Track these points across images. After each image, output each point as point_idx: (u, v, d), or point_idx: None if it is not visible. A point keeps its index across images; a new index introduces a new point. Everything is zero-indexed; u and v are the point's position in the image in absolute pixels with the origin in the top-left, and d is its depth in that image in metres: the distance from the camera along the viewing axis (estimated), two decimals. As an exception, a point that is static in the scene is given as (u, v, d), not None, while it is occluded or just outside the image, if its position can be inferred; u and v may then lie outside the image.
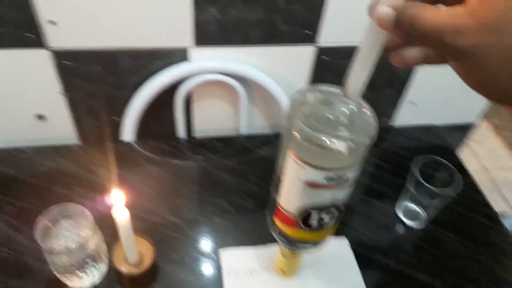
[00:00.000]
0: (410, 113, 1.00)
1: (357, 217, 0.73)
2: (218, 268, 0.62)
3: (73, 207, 0.52)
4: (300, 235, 0.47)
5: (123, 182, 0.72)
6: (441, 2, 0.30)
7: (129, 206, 0.68)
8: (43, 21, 0.64)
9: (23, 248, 0.60)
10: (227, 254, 0.64)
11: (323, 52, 0.81)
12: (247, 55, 0.78)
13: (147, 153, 0.78)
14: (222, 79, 0.78)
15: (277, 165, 0.43)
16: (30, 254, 0.59)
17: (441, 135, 0.95)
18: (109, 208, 0.48)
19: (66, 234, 0.52)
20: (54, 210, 0.51)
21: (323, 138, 0.36)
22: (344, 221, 0.71)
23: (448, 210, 0.73)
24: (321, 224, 0.45)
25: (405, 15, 0.28)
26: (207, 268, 0.62)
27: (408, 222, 0.73)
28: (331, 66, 0.84)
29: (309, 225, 0.45)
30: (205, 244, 0.65)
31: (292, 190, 0.42)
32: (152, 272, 0.60)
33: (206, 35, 0.73)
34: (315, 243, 0.50)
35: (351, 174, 0.40)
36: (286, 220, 0.46)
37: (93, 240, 0.52)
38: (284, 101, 0.84)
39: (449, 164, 0.68)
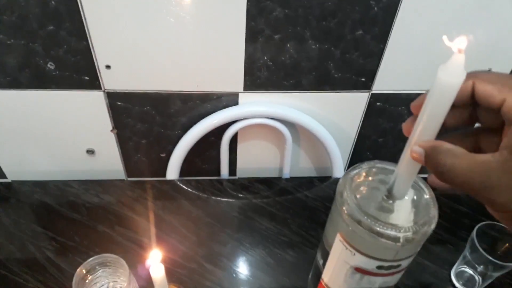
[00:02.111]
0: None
1: (407, 279, 0.68)
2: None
3: (111, 257, 0.52)
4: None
5: (163, 223, 0.72)
6: (478, 121, 0.28)
7: (167, 251, 0.67)
8: (100, 65, 0.66)
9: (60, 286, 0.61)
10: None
11: (376, 99, 0.78)
12: (298, 100, 0.76)
13: (189, 192, 0.78)
14: (269, 123, 0.77)
15: (325, 234, 0.41)
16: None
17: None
18: (146, 261, 0.48)
19: (102, 282, 0.52)
20: (92, 262, 0.51)
21: (377, 227, 0.33)
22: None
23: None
24: (367, 307, 0.42)
25: (434, 161, 0.26)
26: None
27: (458, 284, 0.67)
28: (383, 112, 0.80)
29: (355, 307, 0.42)
30: (243, 297, 0.63)
31: (339, 271, 0.39)
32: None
33: (256, 81, 0.72)
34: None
35: (406, 263, 0.37)
36: (330, 297, 0.43)
37: (130, 291, 0.52)
38: (332, 144, 0.81)
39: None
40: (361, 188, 0.36)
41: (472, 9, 0.65)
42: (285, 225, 0.74)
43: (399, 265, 0.36)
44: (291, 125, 0.80)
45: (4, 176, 0.84)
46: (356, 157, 0.90)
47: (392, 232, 0.33)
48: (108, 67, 0.66)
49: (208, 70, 0.69)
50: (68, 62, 0.65)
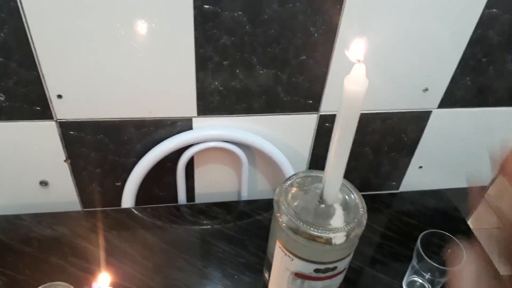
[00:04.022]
0: (417, 177, 0.99)
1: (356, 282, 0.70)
2: None
3: (60, 285, 0.51)
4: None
5: (118, 251, 0.71)
6: None
7: (122, 279, 0.66)
8: (51, 95, 0.67)
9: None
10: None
11: (325, 120, 0.82)
12: (250, 123, 0.79)
13: (145, 219, 0.78)
14: (224, 146, 0.79)
15: (268, 246, 0.42)
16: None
17: (449, 200, 0.93)
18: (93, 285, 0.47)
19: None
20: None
21: (311, 230, 0.35)
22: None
23: None
24: (313, 314, 0.43)
25: None
26: None
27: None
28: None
29: (302, 315, 0.43)
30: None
31: (281, 279, 0.41)
32: None
33: (209, 106, 0.74)
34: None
35: (342, 265, 0.39)
36: (278, 307, 0.44)
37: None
38: (287, 165, 0.84)
39: (456, 239, 0.66)
40: (297, 196, 0.38)
41: (408, 30, 0.71)
42: (243, 247, 0.74)
43: (335, 268, 0.38)
44: (246, 148, 0.82)
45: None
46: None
47: (324, 235, 0.35)
48: (59, 96, 0.67)
49: (161, 96, 0.71)
50: (19, 93, 0.66)
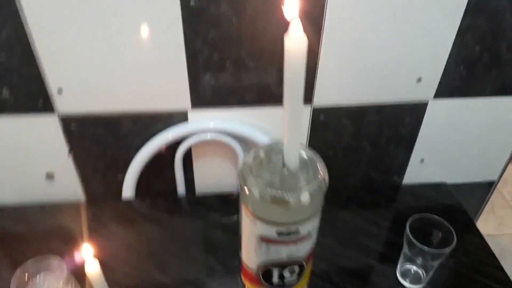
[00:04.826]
0: (419, 170, 0.98)
1: (356, 280, 0.70)
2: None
3: (52, 260, 0.54)
4: (265, 293, 0.46)
5: (117, 240, 0.74)
6: None
7: (118, 264, 0.69)
8: (52, 89, 0.71)
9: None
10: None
11: (318, 112, 0.83)
12: (244, 115, 0.81)
13: (144, 210, 0.81)
14: (220, 139, 0.81)
15: (240, 220, 0.44)
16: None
17: (451, 193, 0.92)
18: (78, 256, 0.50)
19: (44, 285, 0.54)
20: (32, 263, 0.54)
21: (271, 191, 0.36)
22: (344, 285, 0.68)
23: (457, 274, 0.68)
24: (283, 282, 0.44)
25: None
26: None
27: (407, 284, 0.69)
28: (327, 126, 0.85)
29: (272, 283, 0.44)
30: (190, 304, 0.64)
31: (249, 245, 0.42)
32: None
33: (203, 98, 0.77)
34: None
35: (305, 229, 0.40)
36: (250, 277, 0.45)
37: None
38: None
39: (445, 222, 0.65)
40: (261, 163, 0.40)
41: (396, 17, 0.72)
42: (237, 235, 0.76)
43: (297, 231, 0.39)
44: (242, 140, 0.84)
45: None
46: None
47: (282, 194, 0.36)
48: (60, 90, 0.71)
49: (156, 89, 0.74)
50: (22, 88, 0.70)
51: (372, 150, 0.92)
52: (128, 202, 0.83)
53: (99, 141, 0.80)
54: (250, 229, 0.41)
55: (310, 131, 0.86)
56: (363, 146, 0.91)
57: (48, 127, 0.76)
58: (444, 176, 0.99)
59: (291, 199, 0.36)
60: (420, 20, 0.73)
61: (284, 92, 0.34)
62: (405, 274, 0.70)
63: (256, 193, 0.37)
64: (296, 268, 0.43)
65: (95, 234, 0.75)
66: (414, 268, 0.70)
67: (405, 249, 0.67)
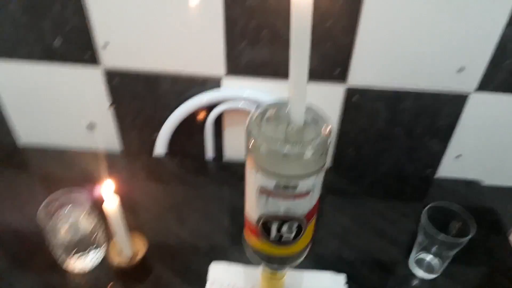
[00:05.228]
0: (454, 166, 0.95)
1: (368, 262, 0.70)
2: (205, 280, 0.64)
3: (77, 192, 0.59)
4: (263, 247, 0.48)
5: (144, 190, 0.79)
6: None
7: (141, 211, 0.74)
8: (98, 42, 0.76)
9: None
10: (217, 267, 0.65)
11: (353, 92, 0.82)
12: (275, 87, 0.83)
13: (172, 168, 0.85)
14: (250, 109, 0.83)
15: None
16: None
17: (484, 193, 0.88)
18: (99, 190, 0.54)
19: (68, 217, 0.59)
20: (59, 194, 0.59)
21: (274, 142, 0.38)
22: (350, 260, 0.69)
23: (474, 269, 0.67)
24: (281, 238, 0.46)
25: None
26: (195, 278, 0.64)
27: (421, 274, 0.68)
28: (361, 108, 0.85)
29: (269, 236, 0.46)
30: (201, 254, 0.68)
31: (250, 196, 0.44)
32: (142, 269, 0.64)
33: (237, 67, 0.79)
34: (282, 261, 0.50)
35: (304, 185, 0.41)
36: (251, 229, 0.48)
37: (90, 224, 0.59)
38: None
39: (464, 212, 0.63)
40: (269, 118, 0.42)
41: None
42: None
43: (296, 186, 0.41)
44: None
45: (15, 140, 0.95)
46: (339, 153, 0.94)
47: (282, 145, 0.38)
48: (105, 44, 0.77)
49: (194, 53, 0.78)
50: (72, 39, 0.76)
51: (406, 139, 0.90)
52: (158, 159, 0.88)
53: (138, 97, 0.85)
54: (251, 180, 0.43)
55: (344, 112, 0.86)
56: (397, 134, 0.89)
57: (93, 79, 0.82)
58: (481, 176, 0.94)
59: (291, 151, 0.38)
60: (467, 4, 0.70)
61: (291, 48, 0.35)
62: (419, 263, 0.69)
63: (258, 143, 0.39)
64: (295, 226, 0.45)
65: (124, 182, 0.80)
66: (429, 257, 0.69)
67: (420, 237, 0.66)
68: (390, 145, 0.91)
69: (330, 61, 0.78)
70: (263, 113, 0.42)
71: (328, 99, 0.84)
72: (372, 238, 0.74)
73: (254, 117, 0.41)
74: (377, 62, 0.78)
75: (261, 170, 0.40)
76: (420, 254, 0.69)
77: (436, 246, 0.64)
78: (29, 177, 0.82)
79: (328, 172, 0.90)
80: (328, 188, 0.85)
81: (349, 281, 0.66)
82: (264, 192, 0.42)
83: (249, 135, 0.40)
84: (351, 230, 0.75)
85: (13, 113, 0.90)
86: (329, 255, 0.70)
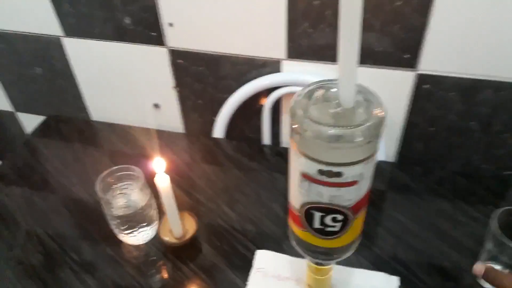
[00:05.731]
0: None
1: (423, 262, 0.64)
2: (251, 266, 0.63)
3: (133, 169, 0.61)
4: (306, 237, 0.46)
5: (199, 171, 0.80)
6: None
7: (194, 190, 0.75)
8: (164, 22, 0.78)
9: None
10: (263, 254, 0.65)
11: (424, 80, 0.76)
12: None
13: (228, 150, 0.86)
14: (310, 94, 0.81)
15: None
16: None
17: None
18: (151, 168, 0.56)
19: (124, 191, 0.62)
20: (116, 170, 0.62)
21: (317, 125, 0.35)
22: (405, 262, 0.64)
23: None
24: (324, 228, 0.43)
25: (489, 279, 0.50)
26: (241, 262, 0.64)
27: (488, 285, 0.61)
28: (432, 97, 0.77)
29: (313, 226, 0.44)
30: (248, 240, 0.67)
31: (294, 183, 0.42)
32: (191, 249, 0.65)
33: (298, 50, 0.77)
34: (326, 254, 0.48)
35: (349, 173, 0.38)
36: (294, 218, 0.46)
37: (144, 199, 0.61)
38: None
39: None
40: (315, 100, 0.39)
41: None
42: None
43: (340, 173, 0.38)
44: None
45: (89, 115, 1.02)
46: (405, 147, 0.87)
47: (326, 128, 0.35)
48: (170, 24, 0.78)
49: (255, 35, 0.76)
50: (141, 18, 0.79)
51: (482, 135, 0.81)
52: (215, 141, 0.89)
53: (200, 79, 0.86)
54: (294, 165, 0.40)
55: (413, 100, 0.79)
56: (472, 128, 0.81)
57: (159, 59, 0.84)
58: None
59: (337, 135, 0.35)
60: None
61: (340, 27, 0.32)
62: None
63: (302, 125, 0.36)
64: (339, 217, 0.42)
65: (182, 162, 0.82)
66: (498, 268, 0.61)
67: (489, 245, 0.59)
68: (463, 141, 0.83)
69: (399, 45, 0.72)
70: (310, 94, 0.39)
71: (395, 87, 0.78)
72: (433, 241, 0.68)
73: (299, 99, 0.39)
74: (453, 47, 0.70)
75: (304, 155, 0.38)
76: (487, 263, 0.62)
77: (508, 256, 0.57)
78: (97, 150, 0.87)
79: (391, 167, 0.85)
80: (389, 183, 0.80)
81: (403, 285, 0.61)
82: (307, 177, 0.39)
83: (293, 116, 0.38)
84: (410, 230, 0.70)
85: (86, 91, 0.96)
86: (384, 255, 0.66)
